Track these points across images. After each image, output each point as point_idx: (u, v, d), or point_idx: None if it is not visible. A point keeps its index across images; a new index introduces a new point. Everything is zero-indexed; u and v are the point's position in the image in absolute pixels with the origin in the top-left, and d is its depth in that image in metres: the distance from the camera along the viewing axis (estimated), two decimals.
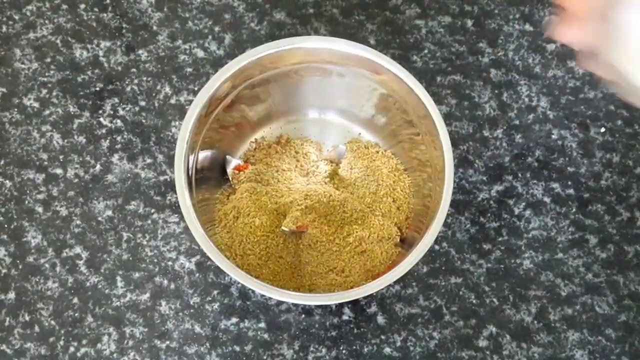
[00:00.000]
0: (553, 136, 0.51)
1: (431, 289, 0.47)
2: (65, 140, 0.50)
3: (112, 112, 0.50)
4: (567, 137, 0.50)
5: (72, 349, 0.45)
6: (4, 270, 0.47)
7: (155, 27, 0.52)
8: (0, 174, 0.49)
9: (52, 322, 0.46)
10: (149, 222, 0.48)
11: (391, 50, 0.52)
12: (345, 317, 0.46)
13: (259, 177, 0.47)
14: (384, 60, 0.43)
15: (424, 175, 0.46)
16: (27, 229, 0.48)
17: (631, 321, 0.47)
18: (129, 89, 0.51)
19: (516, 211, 0.49)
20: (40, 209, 0.48)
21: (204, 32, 0.52)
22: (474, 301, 0.47)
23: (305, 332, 0.46)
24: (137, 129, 0.50)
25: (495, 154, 0.50)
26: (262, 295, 0.46)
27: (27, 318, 0.46)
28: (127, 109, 0.50)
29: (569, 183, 0.49)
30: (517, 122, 0.51)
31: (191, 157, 0.43)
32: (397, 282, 0.46)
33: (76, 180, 0.49)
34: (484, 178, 0.49)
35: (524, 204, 0.49)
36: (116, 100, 0.51)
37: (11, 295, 0.46)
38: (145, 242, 0.48)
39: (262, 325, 0.46)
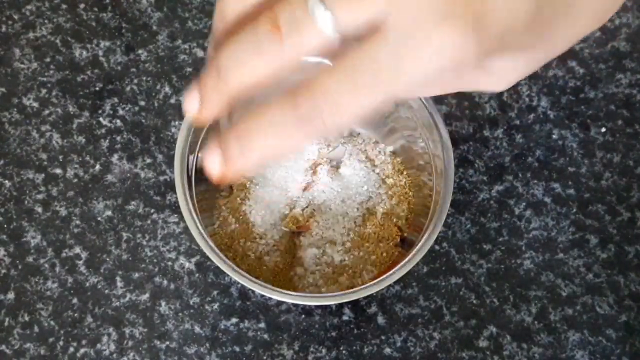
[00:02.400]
0: (553, 136, 0.50)
1: (431, 289, 0.47)
2: (65, 140, 0.50)
3: (111, 112, 0.50)
4: (568, 137, 0.50)
5: (71, 350, 0.45)
6: (3, 271, 0.47)
7: (155, 27, 0.52)
8: None
9: (52, 323, 0.46)
10: (149, 222, 0.48)
11: None
12: (345, 318, 0.46)
13: (258, 177, 0.47)
14: None
15: (424, 175, 0.46)
16: (27, 229, 0.48)
17: (632, 321, 0.47)
18: (128, 88, 0.51)
19: (516, 211, 0.49)
20: (39, 209, 0.48)
21: (204, 32, 0.52)
22: (474, 301, 0.47)
23: (305, 333, 0.46)
24: (136, 128, 0.50)
25: (495, 154, 0.50)
26: (262, 295, 0.46)
27: (26, 318, 0.46)
28: (127, 108, 0.50)
29: (570, 183, 0.49)
30: (517, 122, 0.51)
31: (191, 157, 0.43)
32: (397, 282, 0.46)
33: (76, 180, 0.49)
34: (484, 178, 0.49)
35: (524, 204, 0.49)
36: (116, 100, 0.51)
37: (10, 295, 0.46)
38: (145, 242, 0.47)
39: (262, 325, 0.46)
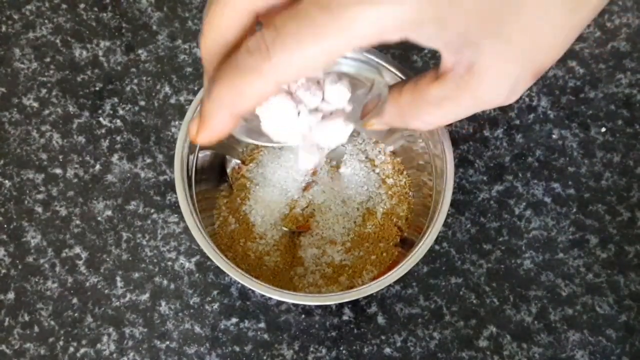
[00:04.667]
0: (553, 136, 0.50)
1: (431, 289, 0.47)
2: (65, 140, 0.50)
3: (111, 112, 0.50)
4: (568, 137, 0.50)
5: (71, 349, 0.45)
6: (3, 271, 0.47)
7: (155, 27, 0.52)
8: None
9: (52, 323, 0.46)
10: (149, 222, 0.48)
11: (391, 50, 0.52)
12: (345, 318, 0.46)
13: (258, 177, 0.47)
14: (384, 60, 0.43)
15: (424, 175, 0.46)
16: (27, 229, 0.48)
17: (632, 321, 0.47)
18: (128, 88, 0.51)
19: (516, 211, 0.49)
20: (39, 209, 0.48)
21: None
22: (474, 301, 0.47)
23: (305, 333, 0.46)
24: (136, 128, 0.50)
25: (495, 154, 0.50)
26: (262, 295, 0.46)
27: (26, 318, 0.46)
28: (127, 108, 0.50)
29: (570, 183, 0.49)
30: (517, 122, 0.51)
31: (191, 157, 0.43)
32: (397, 282, 0.46)
33: (76, 180, 0.49)
34: (484, 178, 0.49)
35: (524, 204, 0.49)
36: (116, 100, 0.51)
37: (11, 295, 0.46)
38: (145, 242, 0.47)
39: (262, 325, 0.46)
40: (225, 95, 0.28)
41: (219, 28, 0.29)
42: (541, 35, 0.29)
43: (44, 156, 0.49)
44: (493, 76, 0.30)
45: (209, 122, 0.29)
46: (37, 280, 0.47)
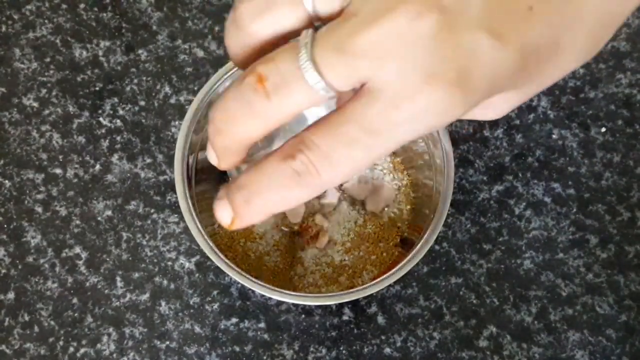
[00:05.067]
0: (553, 136, 0.50)
1: (431, 289, 0.47)
2: (65, 140, 0.50)
3: (111, 112, 0.50)
4: (568, 137, 0.50)
5: (71, 349, 0.45)
6: (3, 271, 0.47)
7: (155, 27, 0.52)
8: None
9: (52, 323, 0.46)
10: (149, 222, 0.48)
11: None
12: (345, 318, 0.46)
13: None
14: None
15: (424, 175, 0.46)
16: (27, 229, 0.48)
17: (632, 321, 0.47)
18: (128, 88, 0.51)
19: (516, 211, 0.49)
20: (39, 209, 0.48)
21: (204, 32, 0.52)
22: (474, 301, 0.47)
23: (305, 333, 0.46)
24: (136, 128, 0.50)
25: (495, 154, 0.50)
26: (262, 295, 0.46)
27: (26, 318, 0.46)
28: (127, 108, 0.50)
29: (570, 183, 0.49)
30: (517, 121, 0.51)
31: (191, 157, 0.43)
32: (397, 282, 0.46)
33: (76, 180, 0.49)
34: (484, 178, 0.49)
35: (524, 203, 0.49)
36: (116, 100, 0.51)
37: (10, 295, 0.46)
38: (145, 242, 0.47)
39: (262, 325, 0.46)
40: (265, 206, 0.29)
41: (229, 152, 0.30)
42: (549, 81, 0.30)
43: (44, 156, 0.49)
44: (493, 108, 0.31)
45: (245, 220, 0.30)
46: (37, 280, 0.47)
